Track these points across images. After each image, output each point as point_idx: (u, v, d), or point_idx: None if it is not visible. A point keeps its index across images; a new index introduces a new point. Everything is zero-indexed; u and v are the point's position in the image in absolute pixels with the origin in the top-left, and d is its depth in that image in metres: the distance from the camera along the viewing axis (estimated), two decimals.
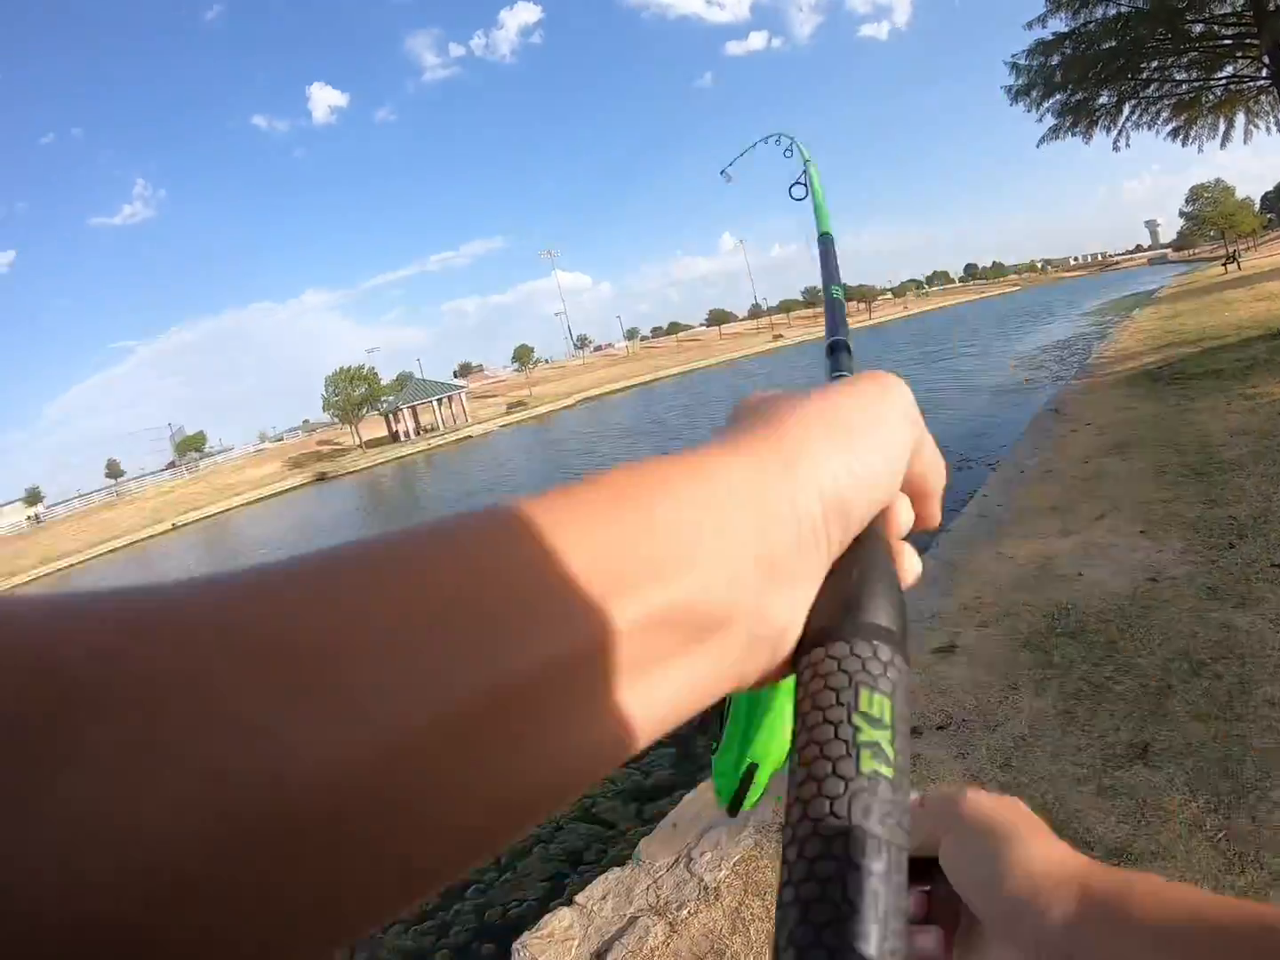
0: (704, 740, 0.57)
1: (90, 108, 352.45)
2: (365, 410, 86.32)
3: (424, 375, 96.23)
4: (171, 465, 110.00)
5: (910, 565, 0.43)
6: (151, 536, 66.05)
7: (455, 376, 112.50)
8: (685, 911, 3.70)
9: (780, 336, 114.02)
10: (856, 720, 0.33)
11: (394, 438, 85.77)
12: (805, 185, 1.14)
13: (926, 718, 4.61)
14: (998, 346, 37.77)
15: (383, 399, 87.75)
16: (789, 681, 0.49)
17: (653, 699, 0.32)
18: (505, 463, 42.28)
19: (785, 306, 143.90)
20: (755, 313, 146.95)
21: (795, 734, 0.34)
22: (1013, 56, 21.78)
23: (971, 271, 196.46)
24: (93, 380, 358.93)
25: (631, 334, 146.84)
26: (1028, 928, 0.55)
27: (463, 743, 0.25)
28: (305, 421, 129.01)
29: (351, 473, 70.79)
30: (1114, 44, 19.54)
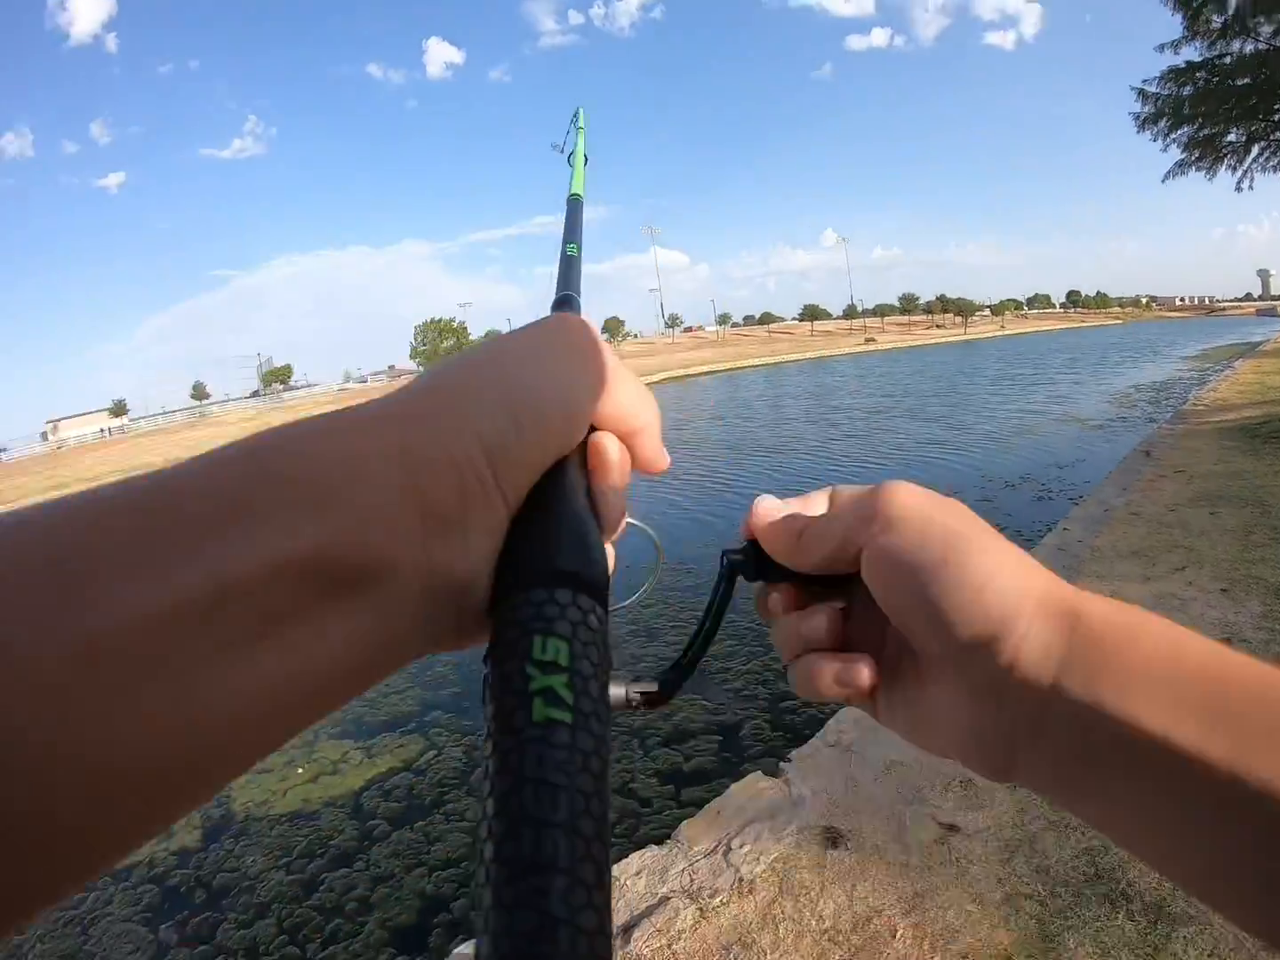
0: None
1: (209, 42, 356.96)
2: None
3: None
4: (255, 394, 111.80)
5: (613, 505, 0.43)
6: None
7: None
8: (718, 900, 3.67)
9: (872, 340, 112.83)
10: (529, 669, 0.32)
11: None
12: (568, 146, 1.18)
13: None
14: (1092, 378, 37.09)
15: None
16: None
17: (305, 656, 0.30)
18: None
19: (880, 311, 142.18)
20: (849, 313, 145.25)
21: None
22: (1143, 82, 21.09)
23: (1074, 298, 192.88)
24: (189, 304, 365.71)
25: (723, 319, 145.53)
26: (990, 660, 0.43)
27: (60, 699, 0.24)
28: (390, 367, 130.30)
29: None
30: (1249, 81, 18.91)
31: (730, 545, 0.55)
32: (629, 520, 0.56)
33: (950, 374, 48.85)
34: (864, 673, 0.49)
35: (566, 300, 0.71)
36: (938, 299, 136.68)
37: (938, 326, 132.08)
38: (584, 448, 0.44)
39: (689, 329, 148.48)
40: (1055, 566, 4.58)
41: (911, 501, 0.48)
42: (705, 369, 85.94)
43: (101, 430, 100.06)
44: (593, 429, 0.44)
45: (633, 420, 0.45)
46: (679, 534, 14.58)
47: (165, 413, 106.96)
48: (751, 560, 0.54)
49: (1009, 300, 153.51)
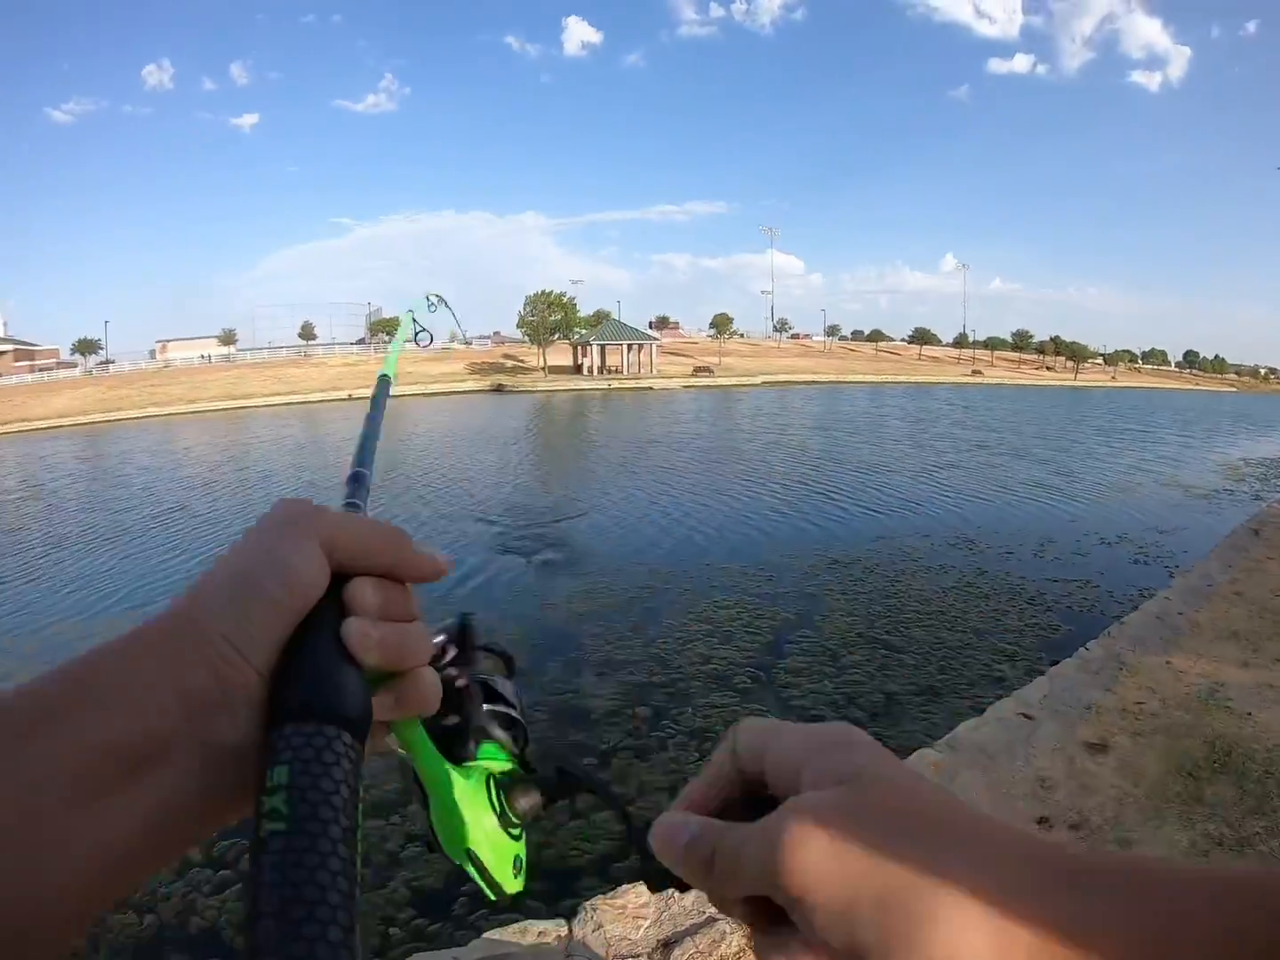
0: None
1: None
2: (556, 336, 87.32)
3: (621, 318, 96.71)
4: (361, 341, 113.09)
5: (353, 635, 0.48)
6: (325, 400, 68.33)
7: (650, 327, 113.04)
8: None
9: (979, 373, 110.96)
10: (261, 797, 0.40)
11: (577, 370, 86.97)
12: (428, 332, 1.25)
13: (1063, 812, 4.44)
14: (1202, 444, 35.99)
15: (576, 330, 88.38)
16: (454, 771, 0.62)
17: (116, 825, 0.39)
18: (681, 422, 42.10)
19: (991, 344, 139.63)
20: (960, 342, 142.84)
21: None
22: None
23: (1190, 359, 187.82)
24: (307, 246, 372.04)
25: (832, 330, 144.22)
26: None
27: None
28: (496, 333, 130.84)
29: (528, 392, 72.08)
30: None
31: (643, 827, 0.50)
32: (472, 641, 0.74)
33: (1059, 419, 47.78)
34: None
35: (357, 477, 0.73)
36: (1051, 340, 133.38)
37: (1048, 369, 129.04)
38: (340, 595, 0.50)
39: (796, 336, 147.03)
40: (1153, 636, 4.13)
41: (825, 871, 0.37)
42: (808, 378, 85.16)
43: (202, 356, 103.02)
44: (347, 576, 0.51)
45: (372, 557, 0.52)
46: (781, 535, 14.66)
47: (271, 347, 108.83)
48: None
49: (1123, 351, 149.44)
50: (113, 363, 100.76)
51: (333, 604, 0.49)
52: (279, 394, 71.98)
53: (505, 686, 0.77)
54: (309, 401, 67.80)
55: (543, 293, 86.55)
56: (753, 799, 0.46)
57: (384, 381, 1.02)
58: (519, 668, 0.80)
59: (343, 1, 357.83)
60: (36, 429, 59.78)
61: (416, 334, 1.23)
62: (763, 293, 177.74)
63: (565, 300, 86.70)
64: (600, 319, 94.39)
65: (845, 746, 0.43)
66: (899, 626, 9.65)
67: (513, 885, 0.64)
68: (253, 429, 45.94)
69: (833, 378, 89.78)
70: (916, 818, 0.38)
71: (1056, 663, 6.74)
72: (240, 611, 0.46)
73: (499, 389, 75.54)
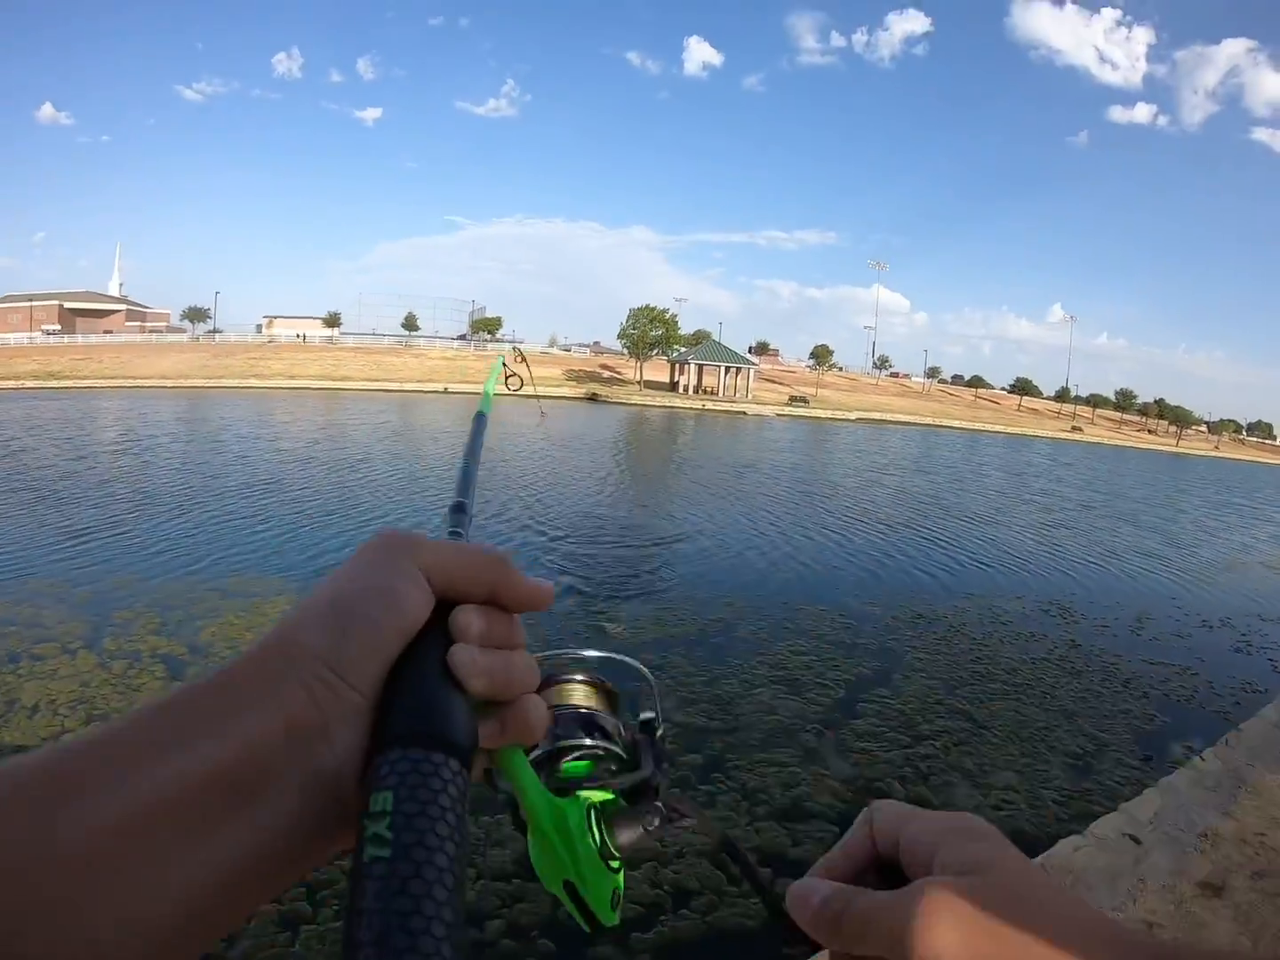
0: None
1: (480, 3, 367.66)
2: (655, 352, 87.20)
3: (721, 340, 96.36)
4: (462, 337, 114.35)
5: (459, 662, 0.48)
6: (420, 391, 69.15)
7: (749, 351, 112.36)
8: None
9: (1078, 429, 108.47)
10: (364, 822, 0.40)
11: (673, 387, 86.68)
12: (518, 377, 1.39)
13: None
14: None
15: (675, 347, 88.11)
16: (552, 800, 0.62)
17: (220, 861, 0.39)
18: (774, 450, 41.58)
19: (1094, 401, 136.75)
20: (1061, 395, 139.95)
21: None
22: None
23: None
24: (419, 240, 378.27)
25: (933, 372, 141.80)
26: None
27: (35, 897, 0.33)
28: (596, 343, 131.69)
29: (622, 404, 71.94)
30: None
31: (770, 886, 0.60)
32: (610, 655, 0.79)
33: (1164, 485, 46.33)
34: None
35: (459, 507, 0.78)
36: (1155, 402, 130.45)
37: (1149, 431, 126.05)
38: (445, 622, 0.51)
39: (895, 374, 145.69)
40: (1274, 750, 3.53)
41: (953, 943, 0.44)
42: (904, 418, 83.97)
43: (298, 335, 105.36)
44: (452, 604, 0.51)
45: (476, 584, 0.52)
46: (866, 580, 14.14)
47: (375, 334, 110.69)
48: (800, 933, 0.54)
49: (1228, 420, 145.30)
50: (220, 332, 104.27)
51: (438, 631, 0.50)
52: (376, 380, 73.22)
53: (604, 719, 0.75)
54: (404, 390, 68.76)
55: (646, 307, 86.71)
56: (884, 874, 0.53)
57: (480, 419, 1.05)
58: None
59: (471, 6, 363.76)
60: (140, 386, 61.53)
61: (508, 378, 1.37)
62: (865, 327, 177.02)
63: (667, 316, 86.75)
64: (700, 339, 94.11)
65: (975, 835, 0.50)
66: (983, 697, 9.02)
67: (609, 918, 0.62)
68: (350, 411, 46.77)
69: (929, 420, 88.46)
70: (1032, 904, 0.45)
71: (1161, 761, 6.18)
72: (341, 636, 0.46)
73: (593, 398, 75.59)
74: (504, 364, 1.38)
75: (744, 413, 73.17)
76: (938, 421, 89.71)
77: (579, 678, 0.72)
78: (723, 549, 15.88)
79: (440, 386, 71.12)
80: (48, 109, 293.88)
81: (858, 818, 0.56)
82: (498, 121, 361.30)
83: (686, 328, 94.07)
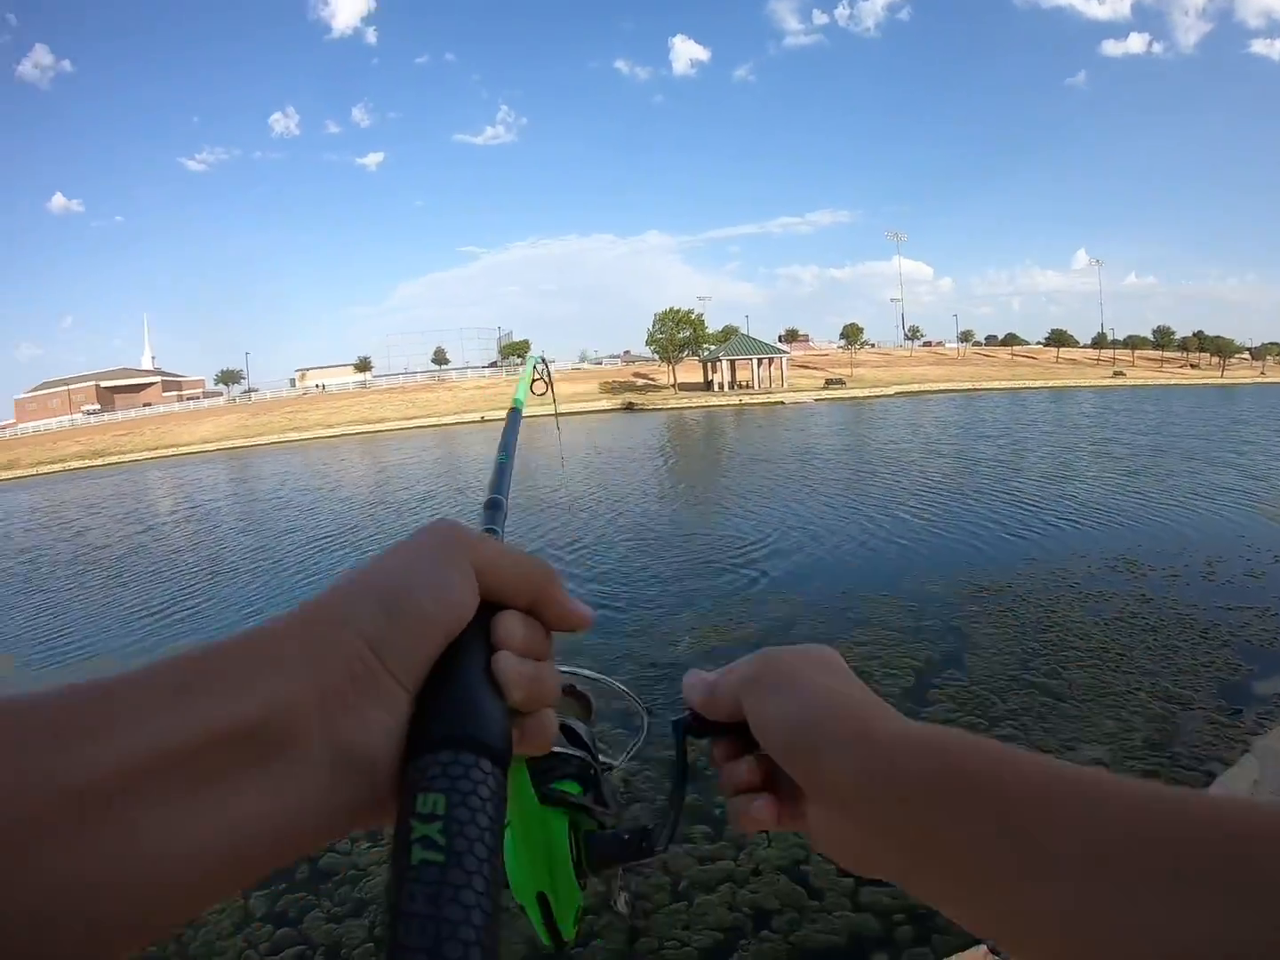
0: None
1: (463, 36, 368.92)
2: (686, 353, 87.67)
3: (749, 332, 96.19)
4: (493, 365, 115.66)
5: (514, 671, 0.48)
6: (459, 423, 69.62)
7: (780, 341, 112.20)
8: None
9: (1121, 374, 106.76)
10: (412, 821, 0.39)
11: (707, 386, 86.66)
12: (544, 381, 1.39)
13: None
14: None
15: (705, 346, 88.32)
16: (544, 812, 0.66)
17: (234, 816, 0.37)
18: (813, 436, 41.15)
19: (1132, 343, 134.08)
20: (1098, 342, 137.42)
21: None
22: None
23: None
24: (437, 275, 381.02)
25: (966, 336, 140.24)
26: (814, 782, 0.55)
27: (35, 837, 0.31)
28: (626, 352, 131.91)
29: (659, 409, 72.07)
30: None
31: (679, 716, 0.68)
32: (597, 676, 0.84)
33: (1221, 419, 44.39)
34: (763, 808, 0.61)
35: (494, 504, 0.78)
36: (1194, 335, 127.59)
37: (1192, 366, 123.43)
38: (487, 625, 0.50)
39: (928, 343, 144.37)
40: None
41: (775, 659, 0.63)
42: (942, 387, 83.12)
43: (317, 385, 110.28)
44: (497, 607, 0.51)
45: (523, 591, 0.52)
46: (923, 559, 13.87)
47: (407, 373, 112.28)
48: (692, 721, 0.67)
49: (1271, 344, 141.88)
50: (255, 391, 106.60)
51: (481, 633, 0.49)
52: (413, 417, 74.44)
53: (583, 730, 0.80)
54: (442, 424, 69.25)
55: (670, 310, 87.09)
56: None
57: (515, 413, 1.10)
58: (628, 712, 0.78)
59: (453, 40, 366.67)
60: (184, 454, 62.57)
61: (533, 382, 1.38)
62: (892, 300, 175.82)
63: (693, 317, 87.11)
64: (729, 334, 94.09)
65: (819, 649, 0.66)
66: (1057, 667, 8.68)
67: (569, 933, 0.66)
68: (395, 450, 47.11)
69: (968, 385, 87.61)
70: (819, 669, 0.62)
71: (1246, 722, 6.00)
72: (388, 621, 0.45)
73: (630, 407, 76.05)
74: (535, 365, 1.44)
75: (781, 402, 72.99)
76: (977, 385, 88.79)
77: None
78: (773, 544, 15.67)
79: (477, 415, 71.78)
80: (58, 199, 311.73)
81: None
82: (498, 148, 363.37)
83: (714, 325, 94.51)
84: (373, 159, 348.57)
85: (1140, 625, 10.02)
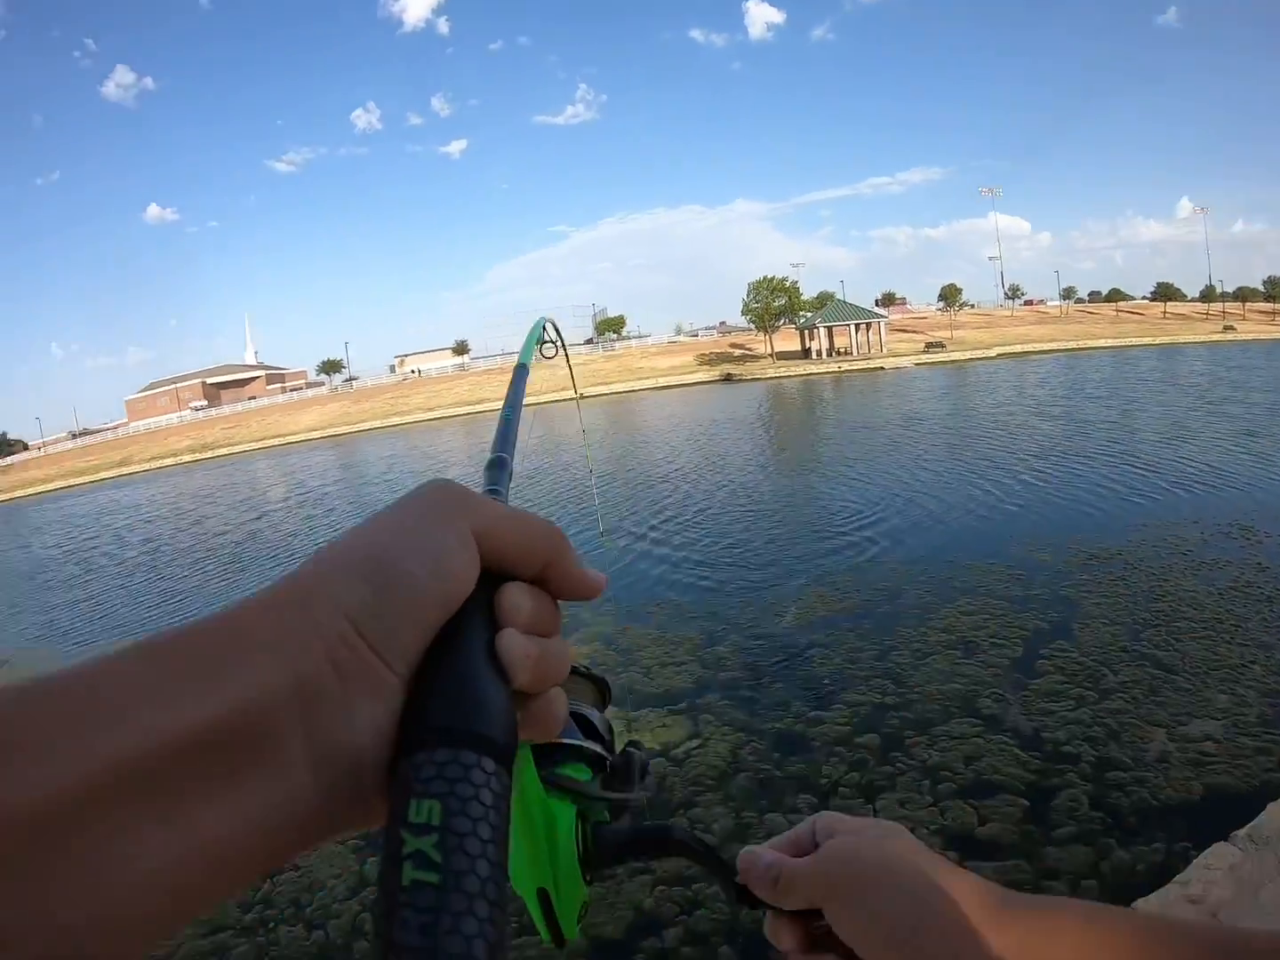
0: None
1: (535, 18, 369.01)
2: (782, 322, 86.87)
3: (845, 298, 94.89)
4: (589, 341, 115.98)
5: (509, 650, 0.42)
6: (556, 401, 70.25)
7: (876, 305, 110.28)
8: None
9: (1231, 329, 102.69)
10: (403, 833, 0.34)
11: (805, 354, 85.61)
12: (554, 344, 1.30)
13: None
14: None
15: (801, 314, 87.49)
16: (548, 802, 0.61)
17: (206, 832, 0.32)
18: (915, 401, 40.44)
19: (1242, 294, 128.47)
20: (1206, 295, 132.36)
21: None
22: None
23: None
24: (529, 256, 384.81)
25: (1068, 293, 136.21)
26: None
27: None
28: (722, 323, 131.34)
29: (757, 379, 71.84)
30: None
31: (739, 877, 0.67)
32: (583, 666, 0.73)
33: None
34: None
35: (499, 463, 0.71)
36: None
37: None
38: (490, 597, 0.44)
39: (1029, 302, 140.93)
40: None
41: (854, 872, 0.61)
42: (1046, 347, 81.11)
43: (413, 371, 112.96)
44: (500, 579, 0.45)
45: (530, 559, 0.46)
46: (1030, 525, 13.52)
47: (505, 354, 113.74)
48: (747, 897, 0.66)
49: None
50: (356, 379, 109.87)
51: (482, 607, 0.43)
52: None
53: (596, 718, 0.73)
54: (541, 403, 69.68)
55: (765, 279, 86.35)
56: None
57: (522, 369, 1.05)
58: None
59: (525, 24, 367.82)
60: (291, 443, 64.65)
61: (542, 344, 1.28)
62: (990, 258, 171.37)
63: (788, 284, 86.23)
64: (824, 300, 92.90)
65: (885, 829, 0.66)
66: (1170, 639, 8.39)
67: (572, 932, 0.62)
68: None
69: (1072, 345, 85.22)
70: (901, 853, 0.62)
71: None
72: (375, 596, 0.39)
73: (728, 378, 75.77)
74: (544, 327, 1.32)
75: (881, 368, 71.72)
76: (1081, 344, 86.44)
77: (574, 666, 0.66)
78: (878, 512, 15.58)
79: (576, 393, 72.37)
80: (154, 209, 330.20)
81: (807, 819, 0.70)
82: (579, 127, 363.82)
83: (809, 291, 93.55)
84: (456, 147, 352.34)
85: (1256, 595, 9.63)
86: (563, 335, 1.34)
